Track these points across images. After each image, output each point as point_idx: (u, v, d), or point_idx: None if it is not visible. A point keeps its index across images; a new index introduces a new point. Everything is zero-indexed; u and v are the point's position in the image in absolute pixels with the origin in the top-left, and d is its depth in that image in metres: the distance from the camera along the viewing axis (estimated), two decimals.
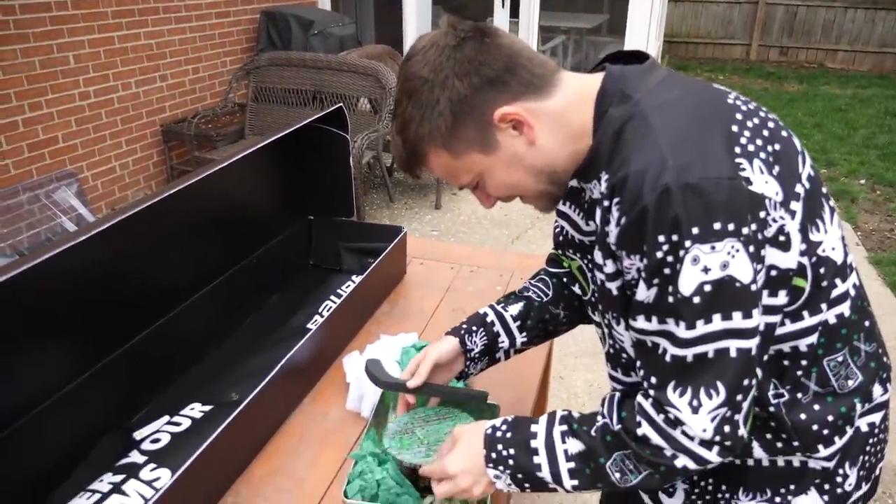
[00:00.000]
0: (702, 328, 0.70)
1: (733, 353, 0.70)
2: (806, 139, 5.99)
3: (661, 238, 0.68)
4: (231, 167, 1.26)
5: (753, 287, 0.69)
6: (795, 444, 0.83)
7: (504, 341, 1.08)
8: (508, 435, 0.85)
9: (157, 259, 1.30)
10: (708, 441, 0.72)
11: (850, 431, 0.84)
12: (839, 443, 0.84)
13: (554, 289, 1.10)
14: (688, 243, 0.67)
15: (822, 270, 0.76)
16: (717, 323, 0.69)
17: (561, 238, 0.96)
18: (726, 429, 0.72)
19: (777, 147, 0.74)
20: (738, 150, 0.70)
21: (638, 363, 0.78)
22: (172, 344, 1.33)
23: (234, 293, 1.53)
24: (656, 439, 0.74)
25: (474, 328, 1.07)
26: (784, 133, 0.77)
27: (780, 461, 0.86)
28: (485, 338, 1.06)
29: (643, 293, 0.73)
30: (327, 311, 1.52)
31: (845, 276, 0.80)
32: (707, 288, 0.68)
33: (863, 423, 0.86)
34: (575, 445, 0.81)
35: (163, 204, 1.09)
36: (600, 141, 0.77)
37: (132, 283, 1.25)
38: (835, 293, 0.79)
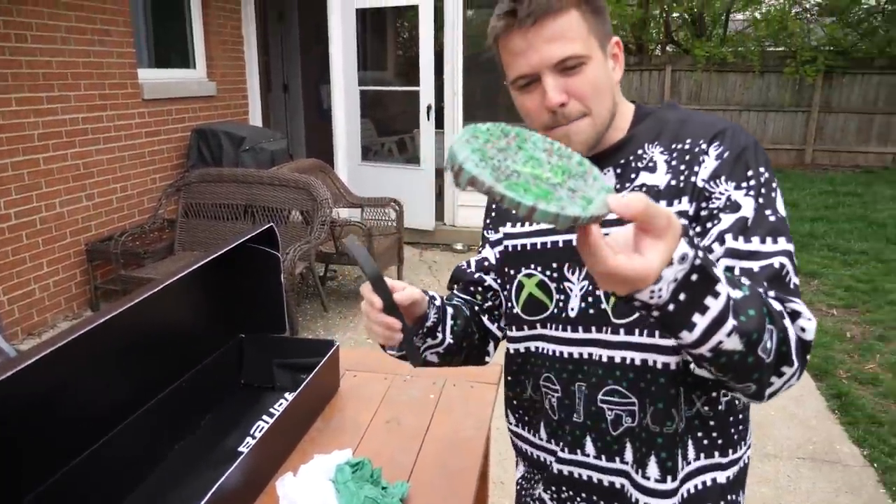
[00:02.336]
0: (791, 242, 0.85)
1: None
2: None
3: (762, 169, 0.87)
4: (161, 290, 1.27)
5: None
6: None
7: (439, 335, 1.03)
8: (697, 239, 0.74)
9: (82, 387, 1.27)
10: (814, 330, 0.80)
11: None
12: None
13: (470, 312, 1.11)
14: (773, 177, 0.88)
15: None
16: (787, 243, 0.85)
17: (521, 256, 1.02)
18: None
19: None
20: None
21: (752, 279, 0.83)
22: (99, 475, 1.28)
23: (164, 418, 1.50)
24: (789, 325, 0.77)
25: (431, 304, 1.02)
26: None
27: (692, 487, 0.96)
28: (434, 315, 1.02)
29: (748, 211, 0.84)
30: (259, 431, 1.50)
31: None
32: (785, 212, 0.87)
33: None
34: (735, 292, 0.71)
35: (91, 331, 1.09)
36: (642, 131, 0.94)
37: (56, 414, 1.21)
38: None
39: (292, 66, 7.63)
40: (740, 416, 0.99)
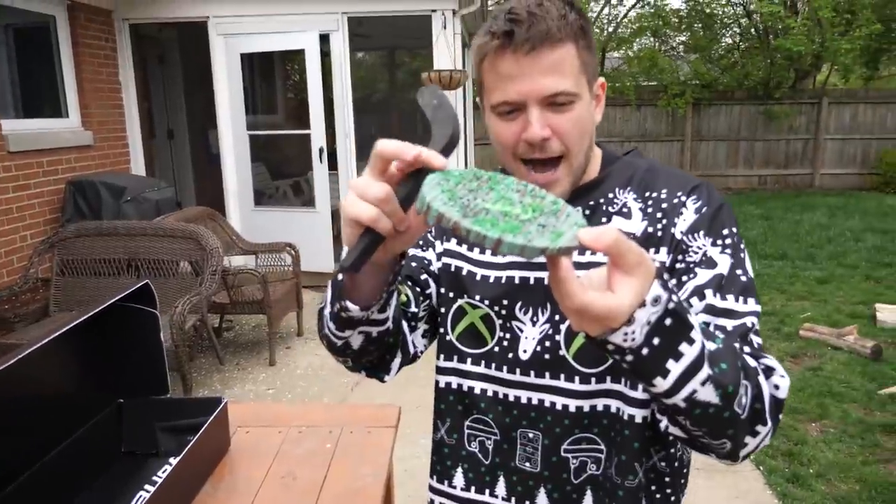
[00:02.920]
0: (754, 305, 0.84)
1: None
2: None
3: (734, 229, 0.88)
4: (30, 355, 1.17)
5: None
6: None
7: (391, 305, 0.84)
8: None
9: None
10: (787, 388, 0.80)
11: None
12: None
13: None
14: (743, 242, 0.89)
15: None
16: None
17: (468, 281, 0.96)
18: None
19: None
20: None
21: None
22: None
23: (37, 494, 1.37)
24: (763, 382, 0.76)
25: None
26: None
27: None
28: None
29: (723, 270, 0.84)
30: (141, 502, 1.40)
31: None
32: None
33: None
34: (709, 344, 0.68)
35: None
36: (613, 174, 0.94)
37: None
38: None
39: (177, 111, 7.40)
40: (685, 471, 0.98)
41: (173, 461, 1.54)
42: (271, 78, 8.50)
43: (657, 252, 0.87)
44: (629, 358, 0.63)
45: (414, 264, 1.02)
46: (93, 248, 3.76)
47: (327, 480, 1.48)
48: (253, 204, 5.83)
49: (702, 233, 0.86)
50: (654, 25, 11.73)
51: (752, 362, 0.75)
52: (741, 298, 0.83)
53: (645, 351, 0.63)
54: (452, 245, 1.00)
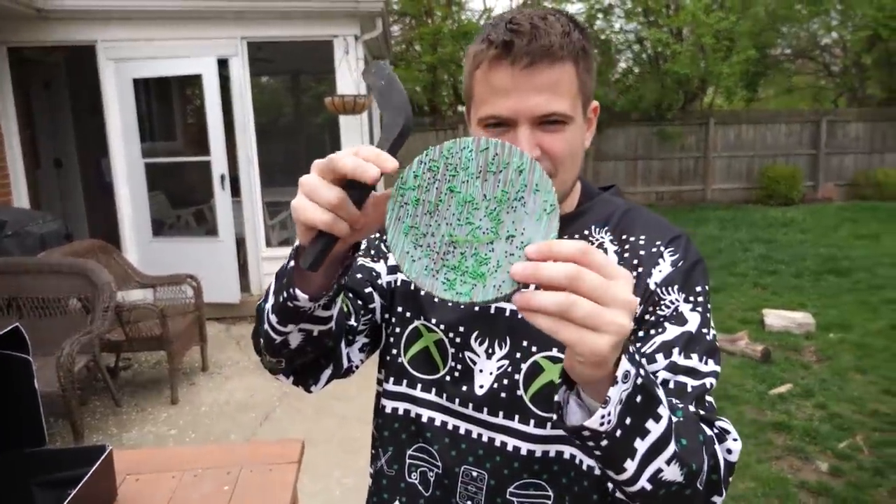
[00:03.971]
0: (715, 366, 0.83)
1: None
2: None
3: (706, 287, 0.87)
4: None
5: None
6: None
7: (334, 309, 0.81)
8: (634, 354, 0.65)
9: None
10: (738, 452, 0.78)
11: None
12: None
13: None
14: (709, 300, 0.88)
15: None
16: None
17: (426, 302, 0.92)
18: None
19: None
20: None
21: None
22: None
23: None
24: (718, 448, 0.74)
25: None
26: None
27: None
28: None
29: (693, 324, 0.83)
30: None
31: None
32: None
33: None
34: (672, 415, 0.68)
35: None
36: (594, 209, 0.92)
37: None
38: None
39: (65, 138, 6.98)
40: None
41: None
42: (169, 103, 8.20)
43: None
44: (604, 443, 0.61)
45: (360, 275, 0.96)
46: None
47: None
48: (151, 234, 5.56)
49: (676, 287, 0.84)
50: None
51: (708, 430, 0.73)
52: (704, 358, 0.81)
53: (619, 433, 0.60)
54: None
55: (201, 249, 5.51)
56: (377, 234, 1.00)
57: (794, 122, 11.59)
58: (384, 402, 0.98)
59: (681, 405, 0.71)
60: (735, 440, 0.76)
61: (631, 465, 0.63)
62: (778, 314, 4.94)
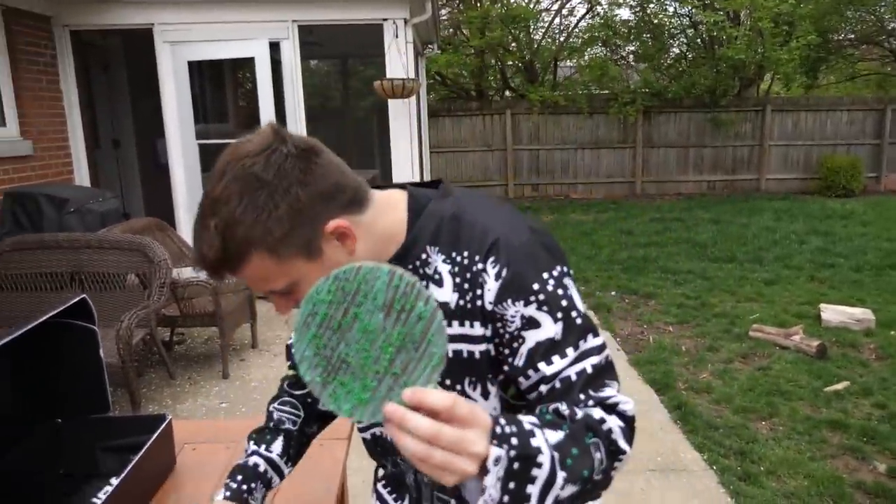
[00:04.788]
0: (599, 333, 0.86)
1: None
2: None
3: (546, 276, 0.84)
4: None
5: None
6: None
7: (277, 481, 1.11)
8: (503, 418, 0.71)
9: None
10: (633, 416, 0.83)
11: None
12: None
13: (305, 408, 1.15)
14: (562, 272, 0.86)
15: None
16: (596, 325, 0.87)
17: None
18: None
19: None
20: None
21: (552, 400, 0.83)
22: None
23: None
24: (611, 423, 0.80)
25: (253, 485, 1.06)
26: None
27: None
28: (263, 488, 1.07)
29: (550, 330, 0.83)
30: None
31: None
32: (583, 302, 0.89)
33: None
34: (554, 434, 0.73)
35: None
36: (422, 232, 0.88)
37: None
38: None
39: (122, 120, 7.19)
40: None
41: (115, 482, 1.47)
42: (222, 86, 8.35)
43: (472, 327, 0.86)
44: None
45: (295, 389, 1.19)
46: (33, 262, 3.61)
47: (278, 496, 1.44)
48: None
49: (510, 300, 0.83)
50: (604, 35, 11.96)
51: (596, 414, 0.79)
52: (581, 342, 0.84)
53: (506, 498, 0.68)
54: None
55: None
56: None
57: (856, 110, 11.13)
58: (359, 433, 1.12)
59: (565, 411, 0.79)
60: (626, 402, 0.82)
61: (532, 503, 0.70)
62: (835, 309, 4.78)
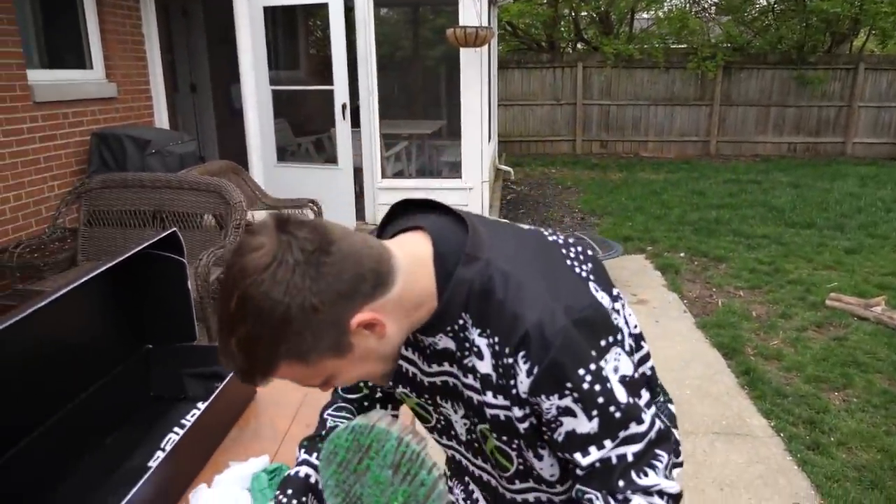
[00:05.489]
0: (645, 417, 0.82)
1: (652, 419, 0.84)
2: (631, 220, 6.63)
3: (582, 371, 0.78)
4: (59, 299, 1.18)
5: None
6: None
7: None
8: None
9: None
10: (680, 493, 0.83)
11: None
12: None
13: (359, 413, 1.13)
14: (602, 364, 0.79)
15: (635, 339, 0.93)
16: (644, 406, 0.83)
17: (396, 376, 0.97)
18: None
19: (592, 264, 0.88)
20: (582, 278, 0.84)
21: (590, 482, 0.82)
22: None
23: (67, 435, 1.40)
24: None
25: (304, 498, 1.02)
26: (589, 251, 0.91)
27: None
28: (315, 501, 1.03)
29: (585, 426, 0.80)
30: (170, 444, 1.43)
31: (642, 341, 0.96)
32: (629, 388, 0.81)
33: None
34: None
35: None
36: (453, 300, 0.82)
37: None
38: (642, 354, 0.96)
39: (199, 65, 7.35)
40: None
41: (201, 406, 1.56)
42: (294, 33, 8.40)
43: (511, 408, 0.84)
44: None
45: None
46: (119, 200, 3.78)
47: None
48: (276, 160, 5.82)
49: (544, 395, 0.80)
50: None
51: (635, 501, 0.79)
52: (618, 435, 0.81)
53: None
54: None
55: (321, 177, 5.72)
56: None
57: None
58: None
59: None
60: (670, 487, 0.81)
61: None
62: None
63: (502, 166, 8.98)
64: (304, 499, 1.01)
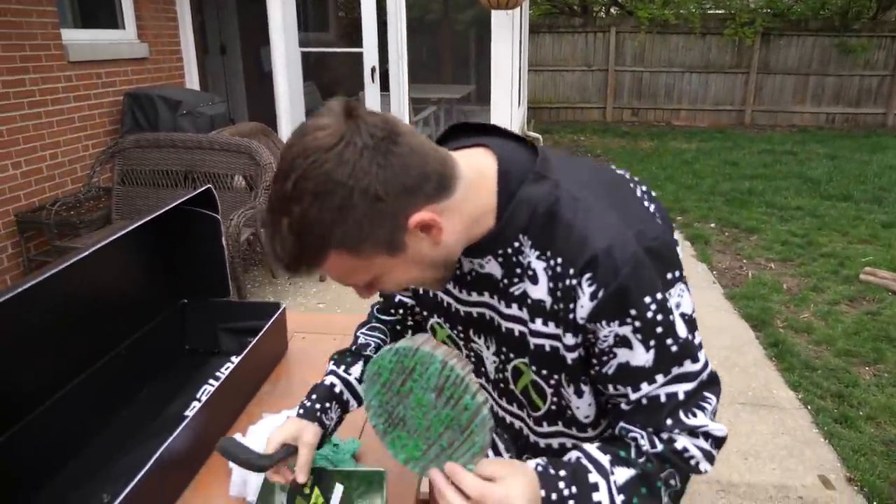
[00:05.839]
0: (700, 356, 0.82)
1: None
2: (661, 190, 6.54)
3: (648, 300, 0.77)
4: (95, 254, 1.21)
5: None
6: None
7: (353, 405, 1.12)
8: (563, 472, 0.78)
9: (14, 357, 1.21)
10: (725, 436, 0.83)
11: None
12: None
13: (392, 336, 1.16)
14: (667, 295, 0.78)
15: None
16: (699, 346, 0.83)
17: (429, 304, 0.99)
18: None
19: (658, 204, 0.87)
20: (651, 212, 0.83)
21: (635, 418, 0.82)
22: (35, 449, 1.23)
23: (104, 386, 1.44)
24: (695, 451, 0.82)
25: (327, 405, 1.05)
26: (653, 192, 0.90)
27: None
28: (338, 409, 1.08)
29: (641, 358, 0.79)
30: (205, 395, 1.47)
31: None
32: (688, 325, 0.81)
33: None
34: (624, 473, 0.79)
35: (18, 298, 1.03)
36: (513, 220, 0.80)
37: None
38: None
39: (229, 26, 7.34)
40: None
41: (235, 360, 1.59)
42: None
43: (564, 334, 0.82)
44: None
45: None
46: (151, 160, 3.83)
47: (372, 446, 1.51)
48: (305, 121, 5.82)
49: (604, 321, 0.78)
50: None
51: (680, 443, 0.80)
52: (671, 371, 0.80)
53: None
54: None
55: None
56: None
57: None
58: None
59: (643, 452, 0.81)
60: (717, 430, 0.81)
61: None
62: None
63: (531, 133, 8.88)
64: (327, 405, 1.05)
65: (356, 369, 1.11)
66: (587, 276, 0.76)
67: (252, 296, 3.92)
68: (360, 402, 1.11)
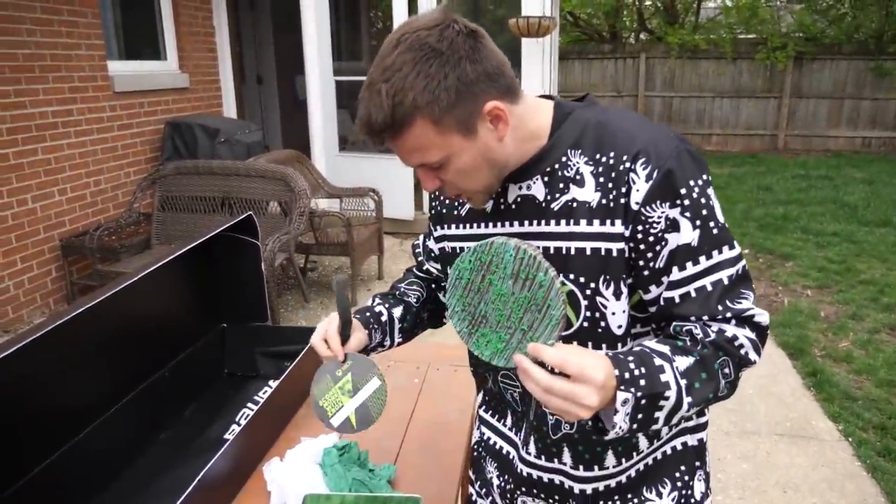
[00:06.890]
0: (736, 245, 0.88)
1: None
2: None
3: (692, 182, 0.85)
4: (141, 280, 1.26)
5: None
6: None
7: (387, 342, 1.15)
8: (630, 357, 0.82)
9: (63, 379, 1.26)
10: (767, 325, 0.88)
11: None
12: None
13: (427, 290, 1.20)
14: (707, 179, 0.87)
15: None
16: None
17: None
18: None
19: None
20: None
21: (688, 309, 0.87)
22: (81, 467, 1.27)
23: (147, 408, 1.48)
24: (743, 340, 0.86)
25: (376, 326, 1.12)
26: None
27: (668, 449, 1.01)
28: (379, 336, 1.13)
29: (688, 236, 0.85)
30: (244, 419, 1.50)
31: None
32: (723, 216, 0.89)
33: None
34: (684, 360, 0.84)
35: (68, 323, 1.07)
36: (564, 135, 0.91)
37: (36, 407, 1.20)
38: None
39: (265, 56, 7.55)
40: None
41: (273, 383, 1.63)
42: (357, 23, 8.52)
43: (613, 225, 0.87)
44: (625, 434, 0.82)
45: (424, 257, 1.21)
46: (190, 186, 3.94)
47: (415, 413, 1.53)
48: (337, 149, 5.93)
49: (658, 202, 0.85)
50: None
51: (730, 330, 0.85)
52: (716, 252, 0.86)
53: (635, 426, 0.81)
54: (446, 230, 1.07)
55: (380, 167, 5.79)
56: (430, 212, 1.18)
57: None
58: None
59: (698, 339, 0.85)
60: (761, 314, 0.87)
61: (659, 425, 0.83)
62: None
63: None
64: (374, 325, 1.11)
65: (397, 311, 1.16)
66: (641, 160, 0.85)
67: (285, 320, 3.97)
68: (391, 341, 1.15)
